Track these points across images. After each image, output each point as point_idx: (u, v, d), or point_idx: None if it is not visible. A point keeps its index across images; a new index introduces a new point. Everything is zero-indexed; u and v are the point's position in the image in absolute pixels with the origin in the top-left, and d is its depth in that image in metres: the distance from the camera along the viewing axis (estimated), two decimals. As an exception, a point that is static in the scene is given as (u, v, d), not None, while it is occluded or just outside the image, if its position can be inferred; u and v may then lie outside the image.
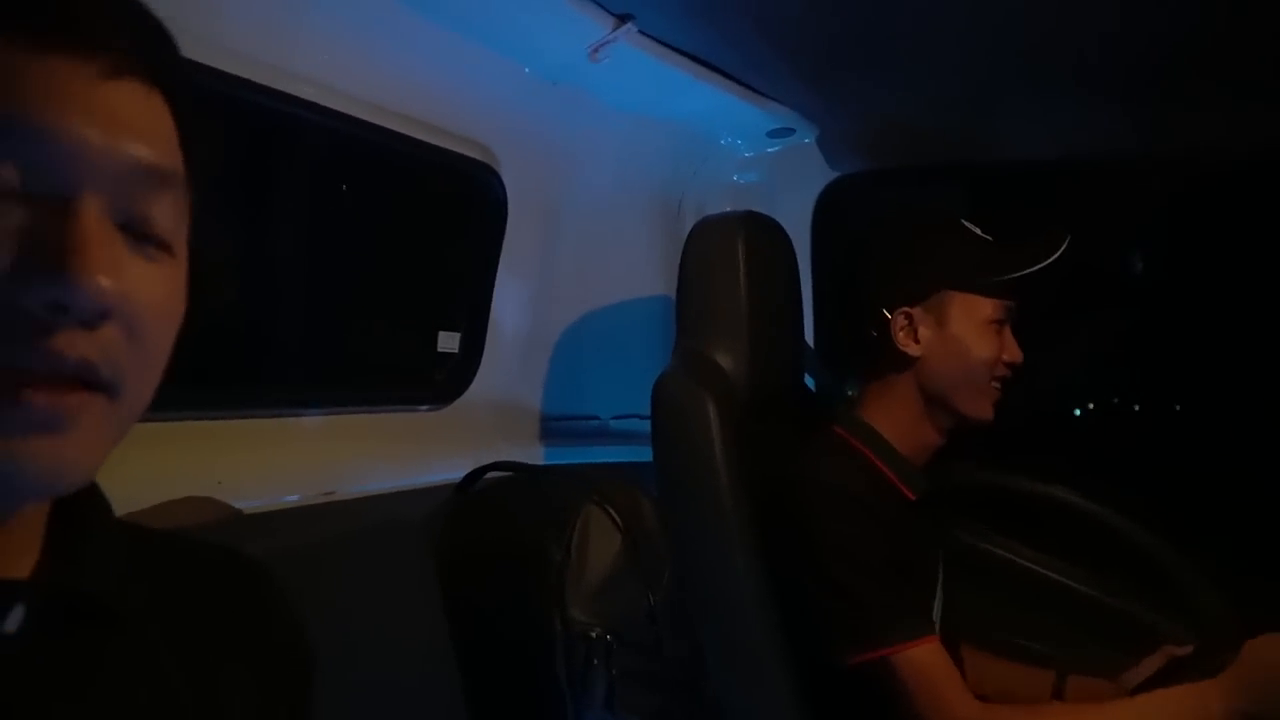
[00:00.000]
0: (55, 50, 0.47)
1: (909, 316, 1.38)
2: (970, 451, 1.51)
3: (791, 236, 1.55)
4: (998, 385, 1.38)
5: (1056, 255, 1.36)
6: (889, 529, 1.28)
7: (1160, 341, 2.54)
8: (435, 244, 1.70)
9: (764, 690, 1.27)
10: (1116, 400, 2.69)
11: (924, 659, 1.20)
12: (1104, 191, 2.16)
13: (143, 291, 0.50)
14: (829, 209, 1.90)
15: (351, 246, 1.58)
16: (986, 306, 1.37)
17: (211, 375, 1.30)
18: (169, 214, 0.52)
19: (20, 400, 0.45)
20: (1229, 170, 1.86)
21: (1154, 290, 2.60)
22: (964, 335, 1.37)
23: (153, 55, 0.52)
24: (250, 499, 1.19)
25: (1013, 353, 1.38)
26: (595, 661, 1.15)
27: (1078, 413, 2.69)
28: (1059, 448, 2.41)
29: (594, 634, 1.16)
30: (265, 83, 1.19)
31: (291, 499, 1.29)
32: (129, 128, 0.50)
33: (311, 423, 1.39)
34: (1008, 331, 1.39)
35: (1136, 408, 2.76)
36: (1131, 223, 2.38)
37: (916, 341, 1.38)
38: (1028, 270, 1.36)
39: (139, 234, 0.51)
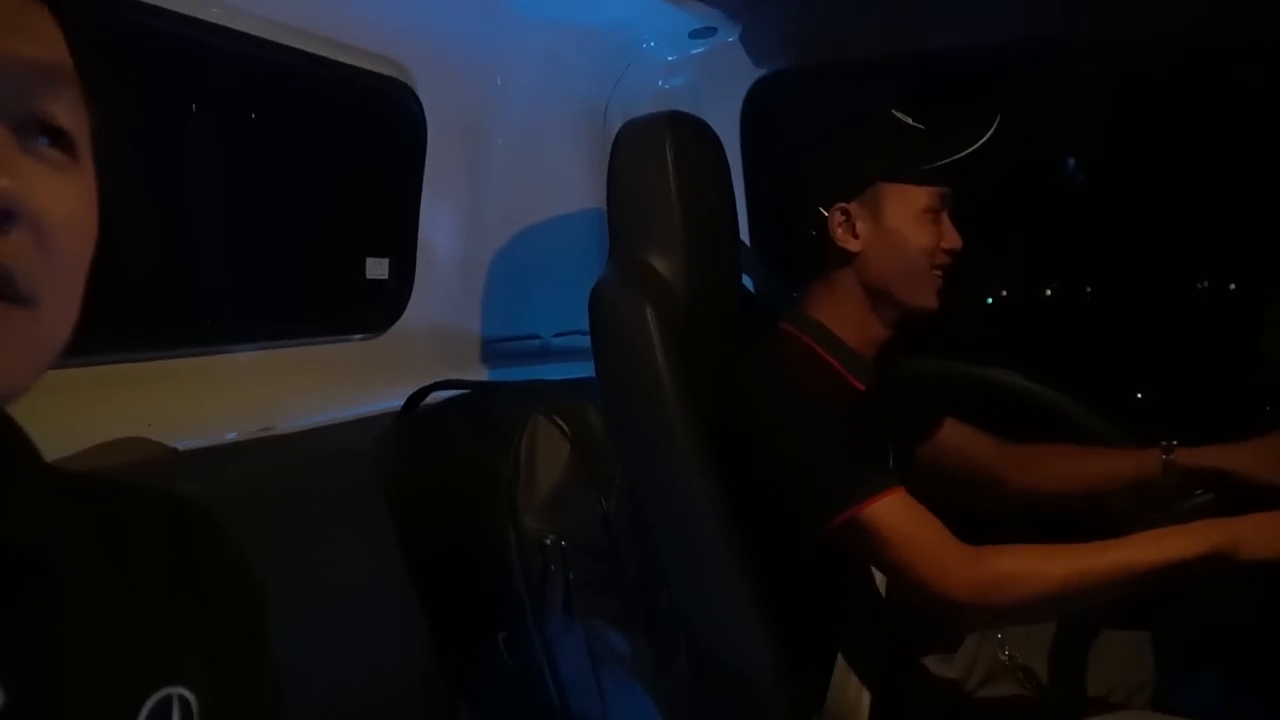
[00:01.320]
0: None
1: (845, 212, 1.37)
2: (911, 345, 1.52)
3: (723, 139, 1.52)
4: (939, 273, 1.38)
5: (986, 137, 1.35)
6: (841, 410, 1.28)
7: (1082, 227, 2.60)
8: (355, 169, 1.65)
9: (721, 591, 1.28)
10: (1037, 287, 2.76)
11: (894, 508, 1.19)
12: (1035, 80, 2.17)
13: (45, 196, 0.48)
14: (757, 108, 1.87)
15: (268, 175, 1.53)
16: (921, 195, 1.36)
17: (133, 315, 1.25)
18: (66, 111, 0.50)
19: None
20: (1158, 53, 1.87)
21: (1085, 180, 2.65)
22: (901, 226, 1.35)
23: None
24: (185, 440, 1.16)
25: (951, 239, 1.37)
26: (552, 568, 1.15)
27: (990, 301, 2.73)
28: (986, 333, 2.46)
29: (548, 541, 1.16)
30: (166, 5, 1.14)
31: (230, 437, 1.26)
32: (7, 26, 0.47)
33: (242, 359, 1.36)
34: (945, 218, 1.38)
35: (1048, 292, 2.82)
36: (1061, 111, 2.40)
37: (855, 236, 1.36)
38: (958, 155, 1.35)
39: (36, 133, 0.49)
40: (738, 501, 1.28)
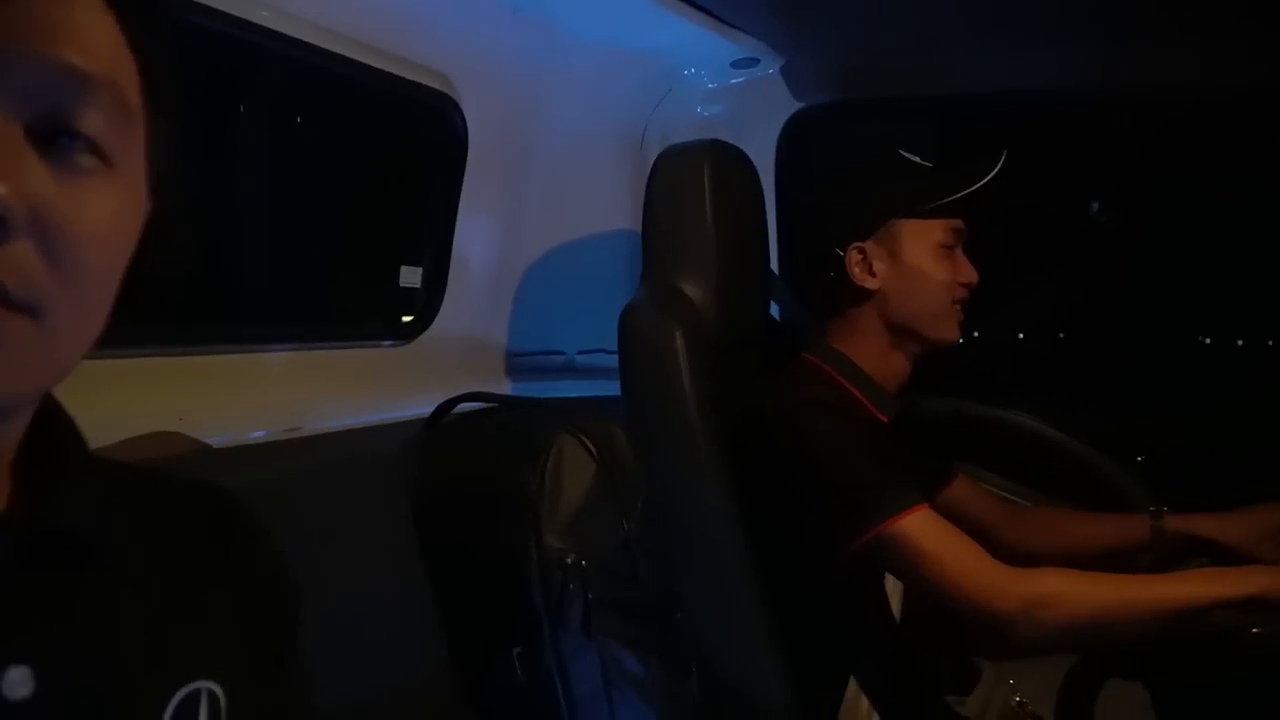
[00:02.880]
0: None
1: (862, 251, 1.39)
2: (933, 382, 1.53)
3: (758, 168, 1.54)
4: (958, 306, 1.40)
5: (993, 173, 1.37)
6: (864, 431, 1.29)
7: (1107, 273, 2.60)
8: (395, 177, 1.66)
9: (735, 613, 1.28)
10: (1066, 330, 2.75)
11: (924, 524, 1.19)
12: (1070, 127, 2.18)
13: (63, 203, 0.45)
14: (794, 140, 1.89)
15: (310, 179, 1.54)
16: (935, 230, 1.38)
17: (172, 310, 1.26)
18: (101, 122, 0.47)
19: None
20: (1193, 108, 1.88)
21: (1109, 225, 2.66)
22: (918, 262, 1.37)
23: None
24: (214, 435, 1.17)
25: (967, 273, 1.39)
26: (571, 587, 1.16)
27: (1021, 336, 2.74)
28: (1016, 373, 2.46)
29: (569, 560, 1.17)
30: (218, 6, 1.15)
31: (257, 435, 1.27)
32: (48, 29, 0.45)
33: (274, 359, 1.37)
34: (960, 253, 1.40)
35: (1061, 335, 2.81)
36: (1092, 158, 2.41)
37: (873, 275, 1.39)
38: (968, 190, 1.37)
39: (61, 140, 0.46)
40: (757, 525, 1.29)
